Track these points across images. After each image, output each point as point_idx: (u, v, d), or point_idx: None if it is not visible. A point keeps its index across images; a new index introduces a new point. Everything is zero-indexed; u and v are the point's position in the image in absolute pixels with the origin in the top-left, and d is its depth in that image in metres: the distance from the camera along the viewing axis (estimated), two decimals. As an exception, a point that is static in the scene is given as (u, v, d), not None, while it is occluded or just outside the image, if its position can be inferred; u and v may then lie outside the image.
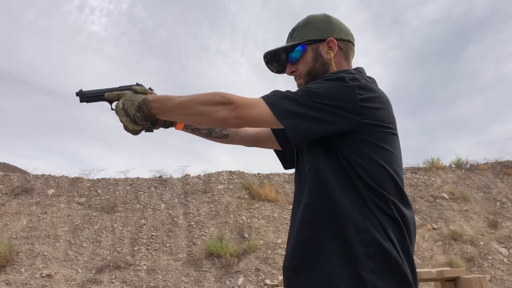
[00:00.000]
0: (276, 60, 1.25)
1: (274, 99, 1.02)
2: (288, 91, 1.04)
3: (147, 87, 1.20)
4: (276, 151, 1.43)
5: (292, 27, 1.25)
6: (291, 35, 1.23)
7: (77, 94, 1.23)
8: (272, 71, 1.29)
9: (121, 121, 1.13)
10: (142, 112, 1.09)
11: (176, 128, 1.32)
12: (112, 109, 1.20)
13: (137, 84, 1.19)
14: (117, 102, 1.16)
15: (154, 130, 1.23)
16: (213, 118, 1.03)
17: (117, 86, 1.22)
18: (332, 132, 0.99)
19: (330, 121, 0.97)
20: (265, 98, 1.03)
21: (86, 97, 1.23)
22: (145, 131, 1.18)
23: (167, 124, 1.25)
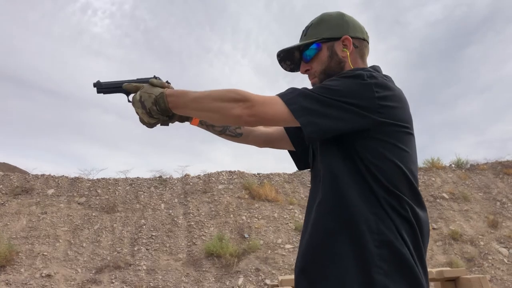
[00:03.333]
0: (290, 59, 1.24)
1: (291, 97, 0.99)
2: (305, 88, 1.02)
3: (164, 81, 1.19)
4: (289, 151, 1.42)
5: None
6: (305, 33, 1.21)
7: (95, 85, 1.22)
8: (285, 70, 1.27)
9: (137, 113, 1.12)
10: (158, 106, 1.08)
11: (191, 123, 1.30)
12: (129, 101, 1.19)
13: (155, 77, 1.18)
14: (134, 94, 1.15)
15: (170, 124, 1.21)
16: (227, 115, 1.01)
17: (135, 78, 1.21)
18: (349, 130, 0.97)
19: (346, 119, 0.95)
20: (282, 95, 1.01)
21: (104, 88, 1.22)
22: (161, 125, 1.17)
23: (182, 119, 1.23)
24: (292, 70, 1.27)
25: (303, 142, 1.31)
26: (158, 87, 1.13)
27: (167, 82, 1.19)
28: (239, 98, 0.99)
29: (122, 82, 1.21)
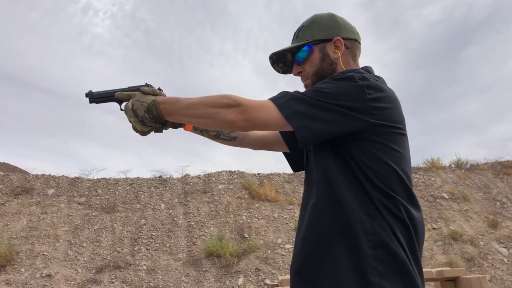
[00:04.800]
0: (282, 61, 1.24)
1: (283, 101, 1.00)
2: (297, 92, 1.02)
3: (156, 87, 1.19)
4: (284, 153, 1.42)
5: (296, 27, 1.23)
6: (297, 35, 1.21)
7: (87, 95, 1.23)
8: (278, 72, 1.28)
9: (130, 121, 1.13)
10: (151, 114, 1.09)
11: (185, 129, 1.31)
12: (121, 109, 1.19)
13: (146, 85, 1.19)
14: (126, 102, 1.15)
15: (163, 131, 1.22)
16: (220, 121, 1.01)
17: (126, 86, 1.21)
18: (342, 132, 0.97)
19: (339, 122, 0.96)
20: (274, 99, 1.01)
21: (96, 98, 1.23)
22: (154, 132, 1.18)
23: (176, 125, 1.24)
24: (284, 72, 1.28)
25: (297, 144, 1.32)
26: (150, 94, 1.13)
27: (159, 89, 1.20)
28: (232, 104, 1.00)
29: (114, 91, 1.21)
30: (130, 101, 1.13)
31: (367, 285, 0.89)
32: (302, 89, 1.14)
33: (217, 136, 1.37)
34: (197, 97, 1.06)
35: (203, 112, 1.03)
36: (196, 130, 1.34)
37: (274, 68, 1.27)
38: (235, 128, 1.02)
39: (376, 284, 0.89)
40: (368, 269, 0.90)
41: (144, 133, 1.14)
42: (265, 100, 1.02)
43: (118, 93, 1.19)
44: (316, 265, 0.97)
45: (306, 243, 1.01)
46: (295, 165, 1.40)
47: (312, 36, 1.17)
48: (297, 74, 1.22)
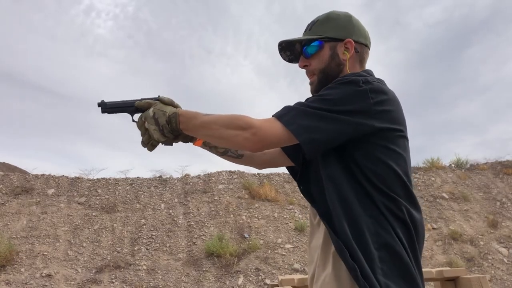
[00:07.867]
0: (290, 50, 1.24)
1: (289, 117, 1.02)
2: (300, 104, 1.04)
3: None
4: (287, 167, 1.44)
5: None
6: (310, 28, 1.21)
7: (99, 105, 1.23)
8: (284, 59, 1.28)
9: (149, 129, 1.13)
10: (170, 125, 1.11)
11: (194, 144, 1.33)
12: (133, 121, 1.19)
13: (159, 97, 1.19)
14: (146, 110, 1.16)
15: (174, 144, 1.22)
16: (233, 142, 1.05)
17: (139, 98, 1.20)
18: (347, 139, 0.99)
19: (344, 130, 0.98)
20: (279, 116, 1.03)
21: (108, 108, 1.22)
22: (165, 144, 1.19)
23: (186, 140, 1.26)
24: (290, 61, 1.28)
25: (300, 157, 1.33)
26: (169, 105, 1.15)
27: None
28: (245, 126, 1.02)
29: (126, 102, 1.22)
30: (151, 109, 1.13)
31: (376, 285, 0.92)
32: (305, 86, 1.16)
33: (225, 153, 1.40)
34: (213, 116, 1.08)
35: (218, 133, 1.06)
36: (205, 146, 1.36)
37: (281, 56, 1.27)
38: (247, 149, 1.06)
39: (383, 284, 0.92)
40: (377, 269, 0.93)
41: (153, 147, 1.15)
42: (271, 118, 1.04)
43: (138, 102, 1.19)
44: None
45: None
46: (298, 176, 1.41)
47: (325, 32, 1.17)
48: (303, 67, 1.22)
